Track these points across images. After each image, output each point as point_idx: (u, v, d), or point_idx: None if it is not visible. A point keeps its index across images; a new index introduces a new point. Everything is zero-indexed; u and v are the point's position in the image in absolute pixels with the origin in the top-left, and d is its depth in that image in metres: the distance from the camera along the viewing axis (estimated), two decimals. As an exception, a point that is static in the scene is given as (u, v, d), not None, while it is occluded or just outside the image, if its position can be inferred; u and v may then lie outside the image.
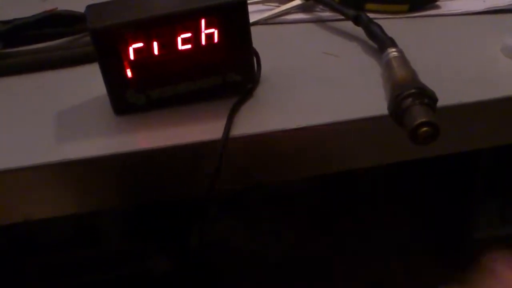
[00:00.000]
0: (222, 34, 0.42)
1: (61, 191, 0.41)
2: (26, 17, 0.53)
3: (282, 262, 0.87)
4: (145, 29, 0.41)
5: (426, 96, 0.40)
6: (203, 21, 0.42)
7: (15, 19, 0.53)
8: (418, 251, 0.88)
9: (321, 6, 0.59)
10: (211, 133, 0.42)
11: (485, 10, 0.57)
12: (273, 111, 0.44)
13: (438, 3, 0.58)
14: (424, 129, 0.38)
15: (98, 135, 0.43)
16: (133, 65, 0.42)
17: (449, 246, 0.88)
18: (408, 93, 0.40)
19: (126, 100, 0.44)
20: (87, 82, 0.48)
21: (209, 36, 0.42)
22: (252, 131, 0.42)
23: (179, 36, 0.42)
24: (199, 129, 0.43)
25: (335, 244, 0.88)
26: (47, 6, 0.56)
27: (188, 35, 0.42)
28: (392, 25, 0.52)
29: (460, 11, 0.58)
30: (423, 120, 0.38)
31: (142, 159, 0.41)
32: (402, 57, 0.46)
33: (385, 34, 0.49)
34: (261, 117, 0.44)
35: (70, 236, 0.85)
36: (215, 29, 0.42)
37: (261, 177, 0.45)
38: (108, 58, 0.41)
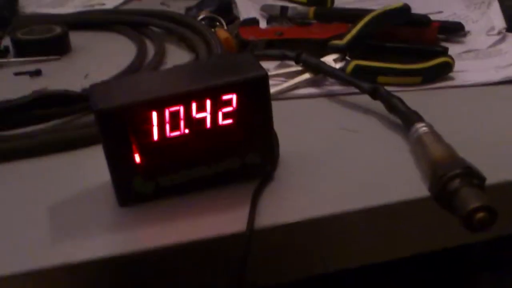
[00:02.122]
0: (242, 112, 0.38)
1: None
2: (12, 99, 0.47)
3: None
4: (157, 109, 0.36)
5: (475, 176, 0.36)
6: (220, 99, 0.37)
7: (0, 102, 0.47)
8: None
9: (330, 80, 0.55)
10: (232, 224, 0.36)
11: (500, 80, 0.55)
12: (298, 196, 0.39)
13: (450, 74, 0.56)
14: (481, 214, 0.33)
15: (99, 232, 0.37)
16: (142, 149, 0.37)
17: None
18: (454, 173, 0.36)
19: (133, 188, 0.38)
20: (84, 169, 0.43)
21: (227, 115, 0.38)
22: (280, 221, 0.37)
23: (195, 116, 0.37)
24: (217, 220, 0.37)
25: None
26: (36, 86, 0.51)
27: (204, 114, 0.37)
28: (407, 97, 0.48)
29: (474, 82, 0.55)
30: (478, 204, 0.33)
31: (151, 259, 0.36)
32: (433, 132, 0.42)
33: (409, 108, 0.46)
34: (287, 203, 0.39)
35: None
36: (234, 107, 0.38)
37: (287, 274, 0.39)
38: (115, 142, 0.36)
